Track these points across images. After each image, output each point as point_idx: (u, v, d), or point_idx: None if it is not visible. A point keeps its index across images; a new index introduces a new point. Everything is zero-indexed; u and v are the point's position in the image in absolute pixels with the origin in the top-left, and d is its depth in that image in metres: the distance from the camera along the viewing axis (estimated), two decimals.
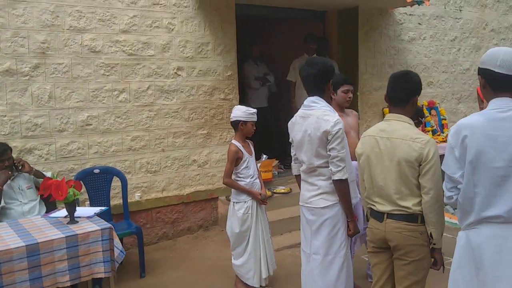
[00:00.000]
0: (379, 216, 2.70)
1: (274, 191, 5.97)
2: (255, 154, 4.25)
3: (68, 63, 4.76)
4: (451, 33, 8.02)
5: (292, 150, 3.26)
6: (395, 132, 2.63)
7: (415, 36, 7.55)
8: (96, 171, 4.73)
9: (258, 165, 5.86)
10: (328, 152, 2.91)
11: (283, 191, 5.96)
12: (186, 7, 5.39)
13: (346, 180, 2.93)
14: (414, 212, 2.59)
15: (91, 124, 4.94)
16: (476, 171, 2.26)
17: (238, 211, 4.01)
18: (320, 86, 3.03)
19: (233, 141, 4.01)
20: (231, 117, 4.06)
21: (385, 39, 7.20)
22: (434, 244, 2.62)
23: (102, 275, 3.35)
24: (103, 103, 4.99)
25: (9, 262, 2.96)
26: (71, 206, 3.44)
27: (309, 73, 3.02)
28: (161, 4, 5.24)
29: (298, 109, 6.86)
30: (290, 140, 3.21)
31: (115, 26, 4.99)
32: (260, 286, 4.07)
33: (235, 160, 3.97)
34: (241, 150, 3.99)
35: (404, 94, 2.69)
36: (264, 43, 7.41)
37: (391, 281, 2.76)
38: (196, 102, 5.56)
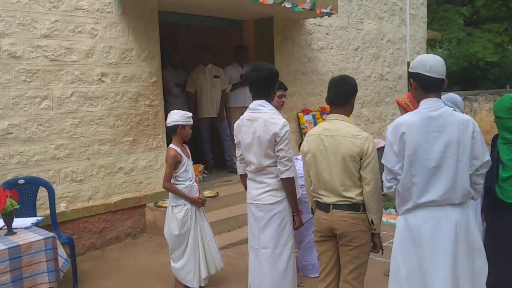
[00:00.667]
0: (325, 207, 2.95)
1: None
2: None
3: None
4: (354, 43, 8.70)
5: (237, 151, 3.41)
6: (338, 130, 2.91)
7: (324, 46, 8.10)
8: (21, 181, 4.51)
9: None
10: (277, 153, 3.12)
11: (210, 195, 6.07)
12: (109, 12, 5.34)
13: (293, 178, 3.15)
14: (357, 201, 2.88)
15: (12, 133, 4.69)
16: (413, 163, 2.59)
17: (178, 214, 4.08)
18: (266, 90, 3.24)
19: (172, 146, 4.08)
20: (168, 122, 4.12)
21: (297, 48, 7.63)
22: (375, 229, 2.93)
23: (46, 286, 3.25)
24: (25, 110, 4.77)
25: None
26: (9, 217, 3.29)
27: (256, 78, 3.21)
28: (83, 9, 5.14)
29: (200, 118, 7.03)
30: (237, 141, 3.37)
31: (36, 30, 4.81)
32: (200, 286, 4.17)
33: (175, 164, 4.04)
34: (180, 154, 4.07)
35: (343, 96, 2.98)
36: (182, 50, 7.48)
37: (337, 266, 3.03)
38: (121, 109, 5.51)
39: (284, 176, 3.12)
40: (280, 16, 7.12)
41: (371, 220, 2.89)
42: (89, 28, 5.18)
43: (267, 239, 3.21)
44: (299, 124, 7.75)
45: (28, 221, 3.63)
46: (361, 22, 8.80)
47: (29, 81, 4.78)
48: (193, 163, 6.27)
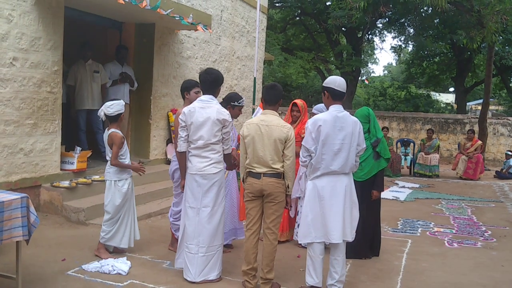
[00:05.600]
0: (257, 175, 4.14)
1: (92, 179, 6.62)
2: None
3: None
4: (213, 56, 10.02)
5: (182, 132, 4.34)
6: (271, 121, 4.14)
7: (191, 55, 9.23)
8: None
9: (76, 156, 6.52)
10: (223, 134, 4.22)
11: (99, 179, 6.64)
12: (24, 1, 5.65)
13: (231, 153, 4.30)
14: (280, 171, 4.14)
15: None
16: (324, 146, 3.99)
17: (122, 187, 4.82)
18: (214, 89, 4.34)
19: (115, 130, 4.75)
20: (111, 112, 4.70)
21: (171, 55, 8.62)
22: (288, 192, 4.23)
23: (20, 238, 3.73)
24: None
25: None
26: None
27: (206, 79, 4.29)
28: None
29: (78, 109, 7.43)
30: (185, 124, 4.30)
31: None
32: (129, 247, 4.95)
33: (121, 144, 4.75)
34: (123, 136, 4.80)
35: (274, 98, 4.24)
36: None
37: (261, 217, 4.23)
38: (26, 93, 5.81)
39: (226, 152, 4.27)
40: (160, 24, 8.04)
41: (287, 185, 4.19)
42: (6, 13, 5.44)
43: (208, 200, 4.27)
44: (168, 122, 8.70)
45: None
46: (219, 39, 10.19)
47: None
48: (81, 150, 6.83)
